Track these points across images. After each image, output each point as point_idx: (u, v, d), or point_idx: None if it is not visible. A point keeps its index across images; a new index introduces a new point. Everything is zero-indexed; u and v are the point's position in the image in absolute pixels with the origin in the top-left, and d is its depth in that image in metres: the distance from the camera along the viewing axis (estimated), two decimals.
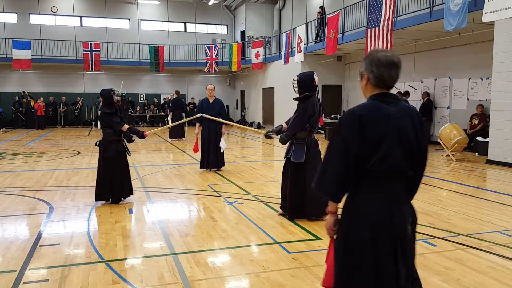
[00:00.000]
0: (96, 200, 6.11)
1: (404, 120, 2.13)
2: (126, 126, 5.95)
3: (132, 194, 6.34)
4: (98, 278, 3.59)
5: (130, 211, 5.82)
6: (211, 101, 8.90)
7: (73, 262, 3.94)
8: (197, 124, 8.75)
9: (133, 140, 6.13)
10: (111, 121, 5.87)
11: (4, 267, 3.84)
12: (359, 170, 2.11)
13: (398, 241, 2.12)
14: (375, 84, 2.18)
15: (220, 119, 8.20)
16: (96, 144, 6.17)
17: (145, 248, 4.35)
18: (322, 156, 5.02)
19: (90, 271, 3.73)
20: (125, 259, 4.06)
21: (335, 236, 2.30)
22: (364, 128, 2.07)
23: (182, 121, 9.26)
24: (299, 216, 5.23)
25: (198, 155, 9.55)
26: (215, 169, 9.02)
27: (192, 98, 25.14)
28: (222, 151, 8.80)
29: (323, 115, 17.94)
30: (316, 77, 5.15)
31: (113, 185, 6.00)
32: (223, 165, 9.07)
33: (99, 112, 7.45)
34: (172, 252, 4.20)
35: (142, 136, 6.05)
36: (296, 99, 5.29)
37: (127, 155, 6.13)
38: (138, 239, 4.63)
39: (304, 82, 5.11)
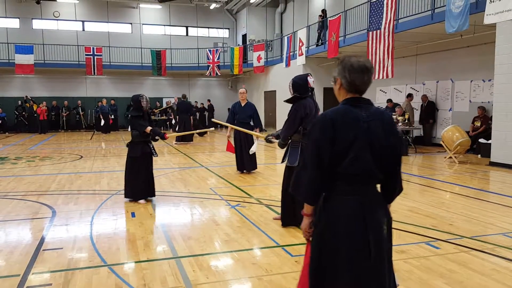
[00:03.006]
0: (125, 197, 6.52)
1: (375, 124, 2.17)
2: (149, 128, 6.34)
3: (154, 195, 6.63)
4: (101, 282, 3.59)
5: (133, 215, 5.82)
6: (243, 104, 8.96)
7: (76, 266, 3.95)
8: (229, 127, 8.73)
9: (157, 140, 6.56)
10: (137, 124, 6.32)
11: (8, 272, 3.84)
12: (332, 173, 2.16)
13: (372, 243, 2.14)
14: (347, 89, 2.24)
15: (228, 124, 8.33)
16: (126, 145, 6.59)
17: (148, 252, 4.35)
18: None
19: (93, 275, 3.73)
20: (128, 263, 4.06)
21: (311, 239, 2.33)
22: (335, 131, 2.13)
23: (207, 130, 9.15)
24: (291, 223, 5.09)
25: (202, 160, 9.54)
26: (252, 170, 9.09)
27: (195, 102, 25.20)
28: (251, 154, 8.83)
29: None
30: (310, 80, 5.09)
31: (139, 184, 6.39)
32: (256, 168, 9.19)
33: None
34: (175, 256, 4.20)
35: (163, 137, 6.49)
36: (286, 101, 5.27)
37: (153, 156, 6.52)
38: (141, 242, 4.63)
39: (298, 85, 5.09)
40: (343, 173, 2.14)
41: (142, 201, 6.45)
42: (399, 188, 2.36)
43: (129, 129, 6.61)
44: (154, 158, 6.64)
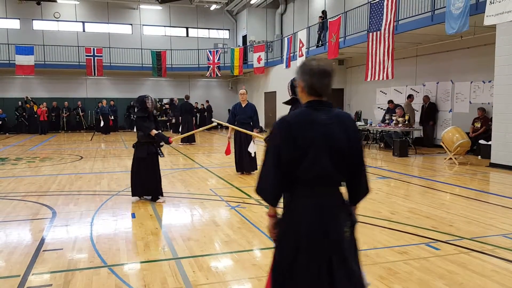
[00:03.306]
0: (132, 196, 6.60)
1: (334, 127, 2.18)
2: (154, 131, 6.34)
3: (162, 195, 6.68)
4: (101, 283, 3.59)
5: (133, 215, 5.83)
6: (243, 105, 8.97)
7: (76, 267, 3.95)
8: (230, 128, 8.70)
9: (162, 145, 6.61)
10: (142, 125, 6.34)
11: (8, 272, 3.85)
12: (293, 175, 2.18)
13: (333, 247, 2.15)
14: (308, 92, 2.25)
15: (229, 125, 8.30)
16: (132, 146, 6.63)
17: (148, 253, 4.35)
18: None
19: (93, 276, 3.73)
20: (128, 263, 4.06)
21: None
22: (294, 134, 2.15)
23: (209, 126, 9.03)
24: None
25: (202, 161, 9.54)
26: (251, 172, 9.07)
27: (196, 103, 25.23)
28: (252, 155, 8.81)
29: None
30: None
31: (144, 184, 6.47)
32: (256, 169, 9.14)
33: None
34: (175, 257, 4.20)
35: (167, 141, 6.48)
36: (285, 103, 5.26)
37: (159, 156, 6.56)
38: (141, 243, 4.63)
39: (295, 87, 5.08)
40: (303, 176, 2.16)
41: (158, 200, 6.55)
42: (364, 189, 2.36)
43: (135, 130, 6.69)
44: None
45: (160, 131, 6.53)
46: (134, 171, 6.53)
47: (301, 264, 2.15)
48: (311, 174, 2.15)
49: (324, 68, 2.21)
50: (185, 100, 17.06)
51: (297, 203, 2.21)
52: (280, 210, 2.34)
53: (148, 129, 6.29)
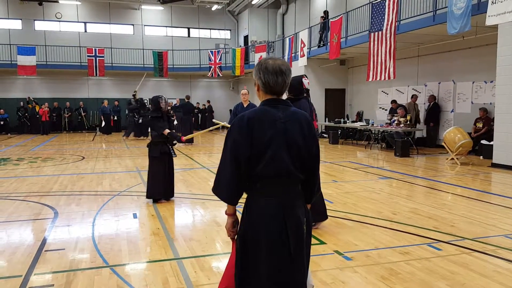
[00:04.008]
0: (146, 198, 6.60)
1: (291, 124, 2.21)
2: (167, 131, 6.46)
3: (173, 196, 6.75)
4: (102, 283, 3.60)
5: (135, 216, 5.83)
6: (245, 105, 8.97)
7: (78, 267, 3.96)
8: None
9: (175, 144, 6.69)
10: (155, 125, 6.48)
11: (10, 272, 3.85)
12: (252, 173, 2.19)
13: (292, 242, 2.18)
14: (264, 90, 2.27)
15: (229, 125, 8.24)
16: (147, 146, 6.73)
17: (150, 253, 4.36)
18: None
19: (95, 276, 3.74)
20: (129, 264, 4.06)
21: (236, 237, 2.37)
22: (253, 132, 2.17)
23: (215, 127, 8.86)
24: None
25: (203, 161, 9.54)
26: None
27: (197, 103, 25.25)
28: None
29: (326, 119, 17.99)
30: (305, 81, 5.08)
31: (156, 183, 6.50)
32: None
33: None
34: (177, 257, 4.21)
35: (179, 140, 6.63)
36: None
37: (172, 156, 6.62)
38: (143, 244, 4.64)
39: (292, 86, 5.07)
40: (262, 173, 2.17)
41: (162, 201, 6.60)
42: (317, 188, 2.38)
43: (149, 130, 6.75)
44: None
45: (173, 130, 6.65)
46: (149, 172, 6.64)
47: (263, 261, 2.17)
48: (270, 171, 2.17)
49: (279, 66, 2.23)
50: (186, 100, 17.14)
51: (257, 201, 2.22)
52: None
53: (161, 129, 6.41)
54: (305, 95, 5.09)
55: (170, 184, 6.66)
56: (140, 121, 17.68)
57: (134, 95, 18.31)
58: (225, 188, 2.25)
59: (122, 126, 23.88)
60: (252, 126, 2.17)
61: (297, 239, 2.19)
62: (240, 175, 2.19)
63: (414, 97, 14.10)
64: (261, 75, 2.24)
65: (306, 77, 5.19)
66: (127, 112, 18.65)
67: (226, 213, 2.38)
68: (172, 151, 6.60)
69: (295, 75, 5.30)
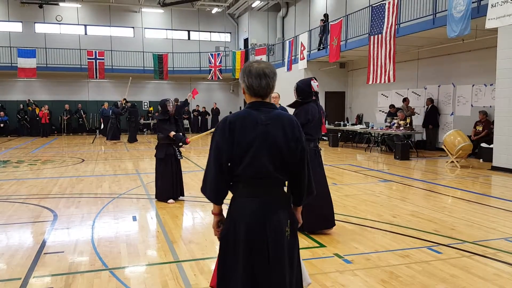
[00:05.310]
0: (155, 198, 6.79)
1: (273, 127, 2.23)
2: (172, 133, 6.61)
3: (183, 195, 6.88)
4: (102, 286, 3.59)
5: (134, 218, 5.82)
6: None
7: (77, 270, 3.94)
8: None
9: (181, 146, 6.79)
10: (161, 127, 6.66)
11: (9, 275, 3.84)
12: (234, 175, 2.24)
13: (271, 245, 2.19)
14: (249, 93, 2.31)
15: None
16: (155, 148, 6.87)
17: (149, 256, 4.35)
18: (319, 166, 4.97)
19: (94, 279, 3.73)
20: (129, 266, 4.05)
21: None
22: (234, 134, 2.21)
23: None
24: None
25: (203, 164, 9.53)
26: None
27: (197, 105, 25.27)
28: None
29: (326, 122, 17.99)
30: (314, 84, 5.06)
31: (163, 184, 6.65)
32: None
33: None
34: (176, 260, 4.19)
35: (185, 142, 6.69)
36: (289, 106, 5.27)
37: (178, 158, 6.75)
38: (142, 246, 4.63)
39: (301, 89, 5.08)
40: (243, 175, 2.21)
41: (171, 201, 6.66)
42: (307, 191, 2.38)
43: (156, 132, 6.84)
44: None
45: (180, 133, 6.75)
46: (156, 173, 6.78)
47: (241, 262, 2.19)
48: (250, 172, 2.20)
49: (263, 69, 2.26)
50: (175, 103, 17.21)
51: (239, 202, 2.26)
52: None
53: (167, 131, 6.57)
54: (313, 98, 5.07)
55: (178, 184, 6.78)
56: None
57: (125, 101, 18.55)
58: (209, 188, 2.30)
59: (121, 128, 23.79)
60: (233, 128, 2.21)
61: (276, 241, 2.21)
62: (223, 176, 2.24)
63: (406, 100, 14.16)
64: (245, 78, 2.28)
65: (315, 79, 5.16)
66: (111, 114, 19.07)
67: (212, 213, 2.43)
68: (178, 152, 6.73)
69: (304, 78, 5.30)
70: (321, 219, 4.98)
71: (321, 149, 5.23)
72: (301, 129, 2.33)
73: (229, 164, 2.22)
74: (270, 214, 2.22)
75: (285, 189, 2.38)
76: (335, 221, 5.12)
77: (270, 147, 2.21)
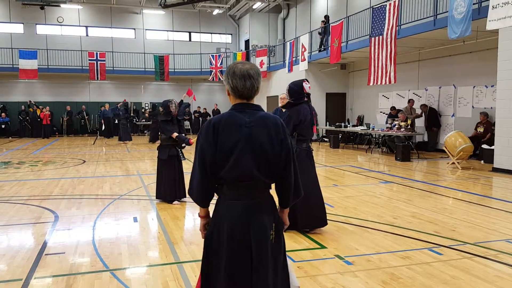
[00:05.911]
0: (156, 198, 6.82)
1: (257, 129, 2.20)
2: (175, 134, 6.64)
3: (185, 196, 6.80)
4: (103, 287, 3.59)
5: (135, 219, 5.83)
6: (284, 110, 8.95)
7: (78, 271, 3.95)
8: None
9: (184, 147, 6.82)
10: (164, 128, 6.66)
11: (10, 276, 3.85)
12: (219, 177, 2.22)
13: (254, 247, 2.18)
14: (233, 95, 2.28)
15: None
16: (157, 148, 6.89)
17: (150, 257, 4.35)
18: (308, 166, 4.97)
19: (95, 280, 3.73)
20: (130, 268, 4.06)
21: None
22: (218, 136, 2.19)
23: None
24: (291, 228, 4.95)
25: None
26: None
27: (198, 107, 25.29)
28: None
29: (327, 123, 17.99)
30: (306, 85, 5.08)
31: (166, 186, 6.66)
32: None
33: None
34: (177, 261, 4.20)
35: (188, 143, 6.67)
36: (281, 107, 5.31)
37: (181, 159, 6.77)
38: (143, 247, 4.63)
39: (293, 91, 5.11)
40: (227, 177, 2.20)
41: (176, 202, 6.70)
42: (293, 193, 2.34)
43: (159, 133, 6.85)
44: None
45: (183, 134, 6.77)
46: (157, 174, 6.79)
47: (224, 264, 2.19)
48: (234, 175, 2.18)
49: (247, 71, 2.23)
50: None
51: (224, 205, 2.25)
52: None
53: (170, 132, 6.59)
54: (305, 99, 5.09)
55: (181, 185, 6.77)
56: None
57: (125, 103, 18.95)
58: (195, 191, 2.29)
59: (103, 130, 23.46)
60: (217, 131, 2.19)
61: (260, 243, 2.19)
62: (208, 178, 2.23)
63: (411, 101, 14.16)
64: (230, 79, 2.24)
65: (307, 81, 5.20)
66: (112, 116, 19.56)
67: (199, 215, 2.43)
68: (181, 154, 6.75)
69: (296, 80, 5.32)
70: (313, 218, 5.00)
71: (313, 150, 5.27)
72: (286, 131, 2.29)
73: (213, 166, 2.20)
74: (254, 217, 2.20)
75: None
76: (335, 222, 5.12)
77: (254, 149, 2.18)
